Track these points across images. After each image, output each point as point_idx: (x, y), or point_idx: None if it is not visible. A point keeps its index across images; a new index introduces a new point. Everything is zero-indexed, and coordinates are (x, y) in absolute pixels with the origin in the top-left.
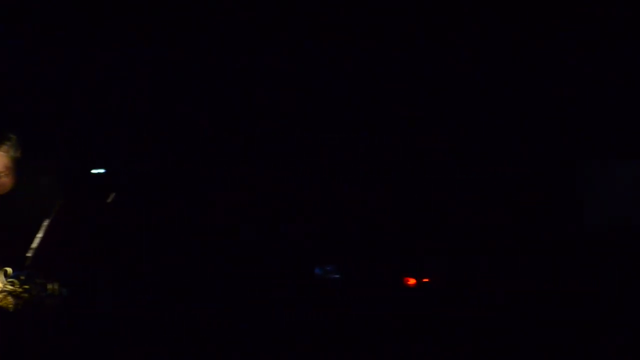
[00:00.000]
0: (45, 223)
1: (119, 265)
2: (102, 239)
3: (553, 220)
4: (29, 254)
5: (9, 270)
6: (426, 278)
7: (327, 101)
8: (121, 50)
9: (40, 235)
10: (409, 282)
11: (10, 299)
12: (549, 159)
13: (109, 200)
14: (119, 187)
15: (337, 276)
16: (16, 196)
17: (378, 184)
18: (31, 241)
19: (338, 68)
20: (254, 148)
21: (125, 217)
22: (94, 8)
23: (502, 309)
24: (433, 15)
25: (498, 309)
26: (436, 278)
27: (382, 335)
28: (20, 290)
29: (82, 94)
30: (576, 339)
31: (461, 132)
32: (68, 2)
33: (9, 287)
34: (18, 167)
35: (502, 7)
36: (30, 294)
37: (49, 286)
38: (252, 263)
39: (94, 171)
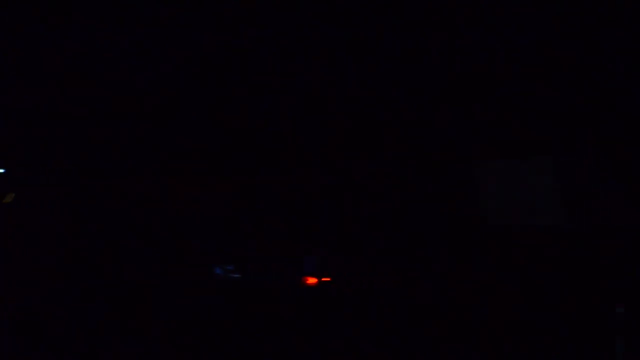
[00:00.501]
0: None
1: (16, 262)
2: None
3: (450, 219)
4: None
5: None
6: (327, 277)
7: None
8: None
9: None
10: (309, 281)
11: None
12: (444, 159)
13: (8, 200)
14: (20, 187)
15: (238, 276)
16: None
17: (281, 188)
18: None
19: None
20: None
21: (26, 217)
22: None
23: (402, 304)
24: None
25: (398, 304)
26: (338, 277)
27: (280, 331)
28: None
29: None
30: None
31: (369, 137)
32: None
33: None
34: None
35: None
36: None
37: None
38: (153, 262)
39: None
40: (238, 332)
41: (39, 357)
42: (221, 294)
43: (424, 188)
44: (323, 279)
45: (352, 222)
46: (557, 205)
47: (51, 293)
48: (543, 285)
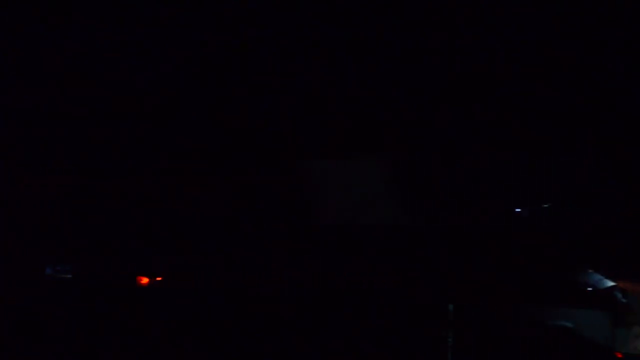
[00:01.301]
0: None
1: None
2: None
3: (280, 219)
4: None
5: None
6: (159, 277)
7: None
8: None
9: None
10: (142, 281)
11: None
12: (270, 159)
13: None
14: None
15: (69, 276)
16: None
17: (108, 183)
18: None
19: None
20: None
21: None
22: None
23: (233, 304)
24: None
25: (230, 304)
26: (169, 277)
27: (115, 332)
28: None
29: None
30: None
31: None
32: None
33: None
34: None
35: None
36: None
37: None
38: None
39: None
40: (60, 337)
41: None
42: (49, 295)
43: (257, 187)
44: (157, 278)
45: (184, 220)
46: (392, 204)
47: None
48: (376, 283)
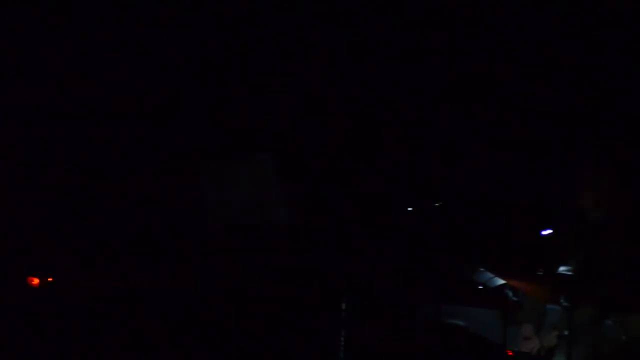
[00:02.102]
0: None
1: None
2: None
3: (179, 219)
4: None
5: None
6: (50, 277)
7: None
8: None
9: None
10: (33, 282)
11: None
12: (171, 158)
13: None
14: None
15: None
16: None
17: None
18: None
19: None
20: None
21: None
22: None
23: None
24: None
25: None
26: (61, 277)
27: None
28: None
29: None
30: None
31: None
32: None
33: None
34: None
35: None
36: None
37: None
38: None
39: None
40: None
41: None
42: None
43: (149, 187)
44: (48, 279)
45: (77, 220)
46: (279, 203)
47: None
48: (271, 282)
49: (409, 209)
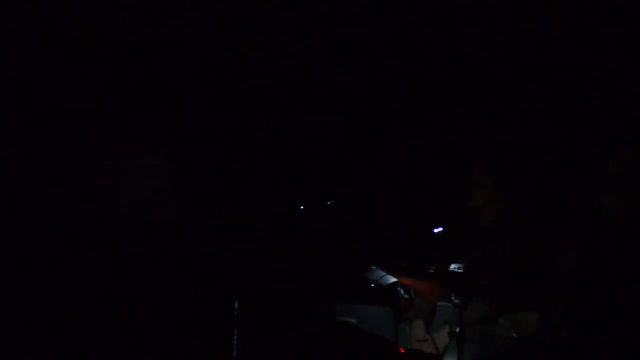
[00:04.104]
0: None
1: None
2: None
3: (71, 220)
4: None
5: None
6: None
7: None
8: None
9: None
10: None
11: None
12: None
13: None
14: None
15: None
16: None
17: None
18: None
19: None
20: None
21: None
22: None
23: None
24: None
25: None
26: None
27: None
28: None
29: None
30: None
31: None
32: None
33: None
34: None
35: None
36: None
37: None
38: None
39: None
40: None
41: None
42: None
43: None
44: None
45: None
46: (171, 203)
47: None
48: (156, 283)
49: (301, 207)
